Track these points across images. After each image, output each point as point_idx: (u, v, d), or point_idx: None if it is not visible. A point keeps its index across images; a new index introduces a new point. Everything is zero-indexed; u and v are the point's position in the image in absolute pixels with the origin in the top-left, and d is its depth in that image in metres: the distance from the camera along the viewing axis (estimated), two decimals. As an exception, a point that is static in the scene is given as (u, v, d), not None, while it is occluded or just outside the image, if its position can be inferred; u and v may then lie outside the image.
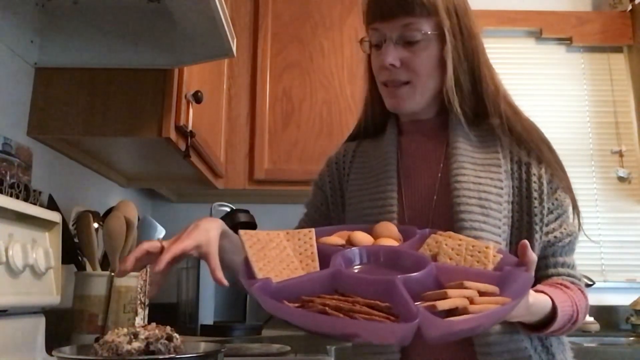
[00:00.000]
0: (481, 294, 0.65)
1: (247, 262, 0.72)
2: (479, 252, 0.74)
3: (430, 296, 0.64)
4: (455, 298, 0.61)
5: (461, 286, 0.65)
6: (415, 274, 0.68)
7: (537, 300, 0.80)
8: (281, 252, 0.74)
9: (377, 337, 0.59)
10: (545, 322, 0.83)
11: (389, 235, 0.82)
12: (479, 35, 0.98)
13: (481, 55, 0.97)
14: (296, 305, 0.63)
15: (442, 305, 0.60)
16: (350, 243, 0.80)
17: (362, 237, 0.81)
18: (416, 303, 0.62)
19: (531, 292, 0.77)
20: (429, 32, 0.93)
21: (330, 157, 1.13)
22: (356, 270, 0.74)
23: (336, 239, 0.81)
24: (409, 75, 0.94)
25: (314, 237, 0.77)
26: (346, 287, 0.67)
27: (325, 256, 0.73)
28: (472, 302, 0.62)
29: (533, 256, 0.72)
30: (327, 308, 0.60)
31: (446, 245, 0.76)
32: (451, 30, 0.94)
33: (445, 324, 0.58)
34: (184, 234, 0.83)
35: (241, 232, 0.76)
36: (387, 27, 0.93)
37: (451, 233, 0.80)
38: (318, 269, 0.72)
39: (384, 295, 0.63)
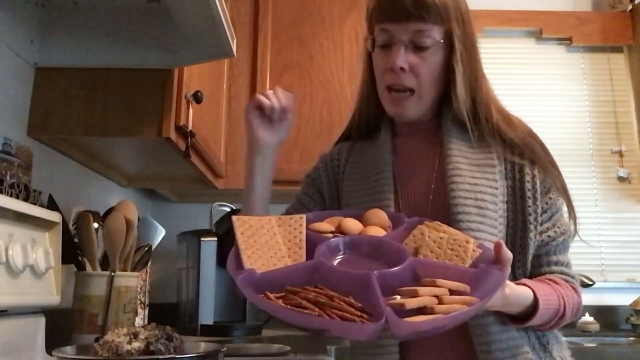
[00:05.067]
0: (452, 292, 0.68)
1: (236, 250, 0.75)
2: (459, 246, 0.77)
3: (403, 292, 0.67)
4: (424, 297, 0.65)
5: (433, 284, 0.68)
6: (392, 269, 0.71)
7: (515, 292, 0.81)
8: (270, 239, 0.77)
9: (346, 334, 0.65)
10: (528, 314, 0.84)
11: (379, 223, 0.85)
12: (477, 43, 0.99)
13: (479, 64, 0.99)
14: (279, 295, 0.67)
15: (410, 304, 0.64)
16: (340, 229, 0.82)
17: (352, 224, 0.83)
18: (390, 298, 0.66)
19: (509, 283, 0.79)
20: (440, 40, 0.93)
21: (325, 154, 1.13)
22: (339, 259, 0.77)
23: (326, 225, 0.83)
24: (414, 81, 0.94)
25: (304, 224, 0.80)
26: (325, 279, 0.70)
27: (313, 243, 0.76)
28: (441, 301, 0.66)
29: (508, 254, 0.73)
30: (304, 302, 0.64)
31: (429, 237, 0.79)
32: (458, 39, 0.95)
33: (408, 325, 0.62)
34: None
35: (234, 217, 0.78)
36: (399, 29, 0.93)
37: (437, 224, 0.82)
38: (304, 256, 0.75)
39: (359, 289, 0.67)
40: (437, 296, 0.66)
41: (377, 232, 0.82)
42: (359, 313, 0.63)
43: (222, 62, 1.95)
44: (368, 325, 0.62)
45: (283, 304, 0.64)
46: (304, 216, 0.81)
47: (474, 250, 0.76)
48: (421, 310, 0.64)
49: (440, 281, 0.68)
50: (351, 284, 0.68)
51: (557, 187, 0.95)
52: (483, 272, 0.72)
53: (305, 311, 0.62)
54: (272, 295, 0.66)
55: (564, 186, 0.96)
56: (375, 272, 0.68)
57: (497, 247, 0.73)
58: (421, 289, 0.66)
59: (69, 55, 1.30)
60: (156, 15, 1.30)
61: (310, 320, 0.62)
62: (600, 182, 2.53)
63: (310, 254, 0.75)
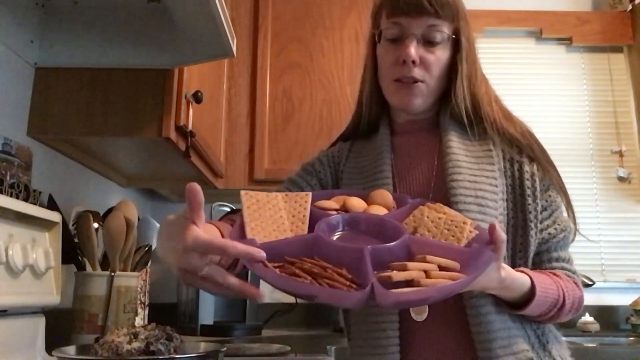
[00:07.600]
0: (442, 268, 0.69)
1: (241, 222, 0.76)
2: (456, 226, 0.78)
3: (394, 266, 0.69)
4: (412, 271, 0.67)
5: (424, 260, 0.69)
6: (386, 244, 0.73)
7: (512, 275, 0.82)
8: (275, 214, 0.78)
9: (333, 301, 0.67)
10: (525, 301, 0.85)
11: (382, 203, 0.86)
12: (476, 43, 1.02)
13: (479, 63, 1.01)
14: (277, 265, 0.69)
15: (397, 276, 0.66)
16: (344, 208, 0.84)
17: (357, 203, 0.84)
18: (382, 272, 0.67)
19: (505, 266, 0.80)
20: (449, 36, 0.96)
21: (324, 150, 1.13)
22: (338, 235, 0.79)
23: (331, 203, 0.84)
24: (424, 74, 0.96)
25: (309, 201, 0.81)
26: (322, 251, 0.72)
27: (316, 220, 0.78)
28: (429, 275, 0.67)
29: (501, 235, 0.74)
30: (298, 271, 0.66)
31: (427, 218, 0.80)
32: (465, 37, 0.98)
33: (392, 295, 0.63)
34: None
35: (242, 192, 0.80)
36: (412, 23, 0.95)
37: (438, 206, 0.83)
38: (306, 231, 0.77)
39: (353, 262, 0.69)
40: (425, 271, 0.68)
41: (379, 211, 0.83)
42: (348, 283, 0.65)
43: (222, 62, 1.95)
44: (353, 293, 0.64)
45: (277, 272, 0.66)
46: (309, 194, 0.83)
47: (470, 232, 0.77)
48: (409, 284, 0.66)
49: (430, 257, 0.70)
50: (345, 257, 0.70)
51: (556, 186, 0.96)
52: (475, 252, 0.73)
53: (298, 279, 0.65)
54: (269, 264, 0.68)
55: (562, 186, 0.97)
56: (369, 246, 0.70)
57: (491, 228, 0.74)
58: (410, 264, 0.68)
59: (69, 55, 1.30)
60: (156, 15, 1.31)
61: (300, 287, 0.65)
62: (600, 182, 2.53)
63: (312, 230, 0.76)
